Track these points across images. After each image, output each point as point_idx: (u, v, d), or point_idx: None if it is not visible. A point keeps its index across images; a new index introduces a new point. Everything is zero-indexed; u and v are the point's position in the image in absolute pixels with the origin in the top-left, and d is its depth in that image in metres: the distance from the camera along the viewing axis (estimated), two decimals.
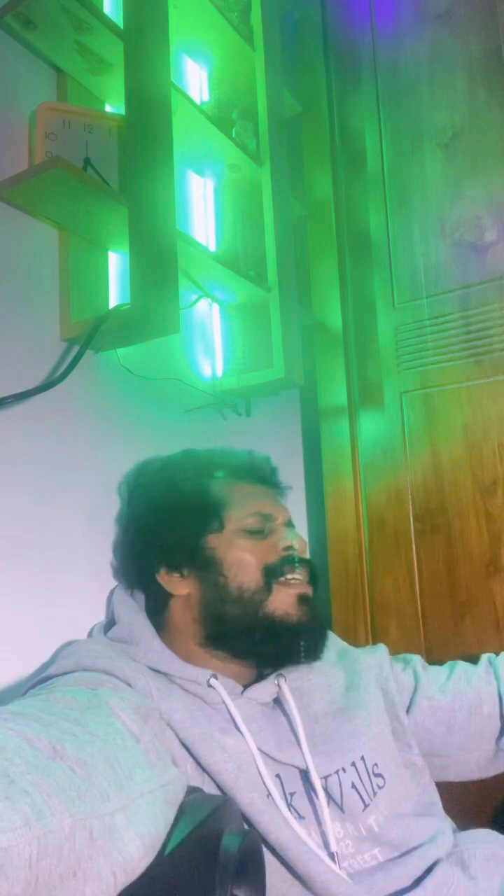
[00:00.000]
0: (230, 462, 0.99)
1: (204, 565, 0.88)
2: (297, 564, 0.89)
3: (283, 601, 0.86)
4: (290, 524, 0.95)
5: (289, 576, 0.87)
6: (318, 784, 0.79)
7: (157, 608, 0.90)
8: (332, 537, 1.40)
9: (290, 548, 0.89)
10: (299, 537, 0.91)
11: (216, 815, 0.64)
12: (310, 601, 0.88)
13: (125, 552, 0.98)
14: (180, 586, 0.89)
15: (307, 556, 0.92)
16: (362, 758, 0.85)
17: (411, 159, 1.39)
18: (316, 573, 0.92)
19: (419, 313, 1.34)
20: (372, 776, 0.85)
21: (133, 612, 0.89)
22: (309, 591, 0.89)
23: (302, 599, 0.87)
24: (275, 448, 1.40)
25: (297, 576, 0.88)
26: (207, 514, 0.90)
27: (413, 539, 1.31)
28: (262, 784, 0.77)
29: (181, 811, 0.62)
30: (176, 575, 0.89)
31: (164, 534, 0.91)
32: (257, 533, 0.90)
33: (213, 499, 0.91)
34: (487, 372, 1.26)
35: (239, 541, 0.88)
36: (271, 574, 0.87)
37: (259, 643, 0.85)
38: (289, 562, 0.88)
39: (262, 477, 1.00)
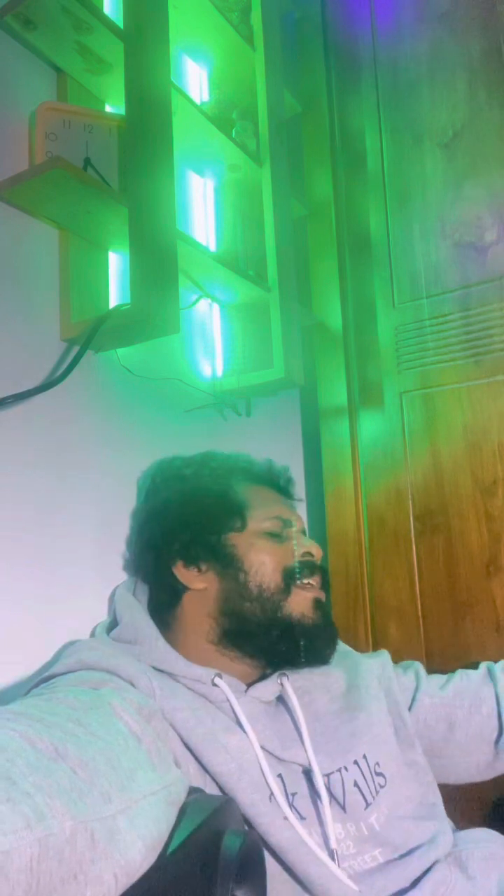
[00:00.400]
0: (251, 467, 1.03)
1: (224, 562, 0.89)
2: (314, 569, 0.91)
3: (301, 603, 0.88)
4: (304, 532, 0.98)
5: (306, 580, 0.89)
6: (320, 781, 0.79)
7: (168, 603, 0.91)
8: (332, 537, 1.40)
9: (308, 553, 0.92)
10: (316, 545, 0.94)
11: (217, 815, 0.64)
12: (324, 606, 0.91)
13: (142, 545, 0.99)
14: (197, 581, 0.90)
15: (322, 563, 0.94)
16: (364, 756, 0.85)
17: (411, 159, 1.39)
18: (329, 580, 0.95)
19: (419, 313, 1.34)
20: (374, 775, 0.85)
21: (135, 612, 0.90)
22: (323, 596, 0.92)
23: (318, 603, 0.90)
24: (275, 448, 1.40)
25: (313, 581, 0.91)
26: (231, 512, 0.92)
27: (413, 539, 1.31)
28: (264, 784, 0.77)
29: (182, 812, 0.62)
30: (194, 569, 0.90)
31: (186, 528, 0.92)
32: (276, 536, 0.92)
33: (237, 498, 0.94)
34: (487, 372, 1.26)
35: (260, 541, 0.90)
36: (290, 576, 0.89)
37: (275, 642, 0.86)
38: (307, 566, 0.91)
39: (280, 486, 1.03)
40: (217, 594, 0.89)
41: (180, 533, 0.92)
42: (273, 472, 1.04)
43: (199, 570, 0.90)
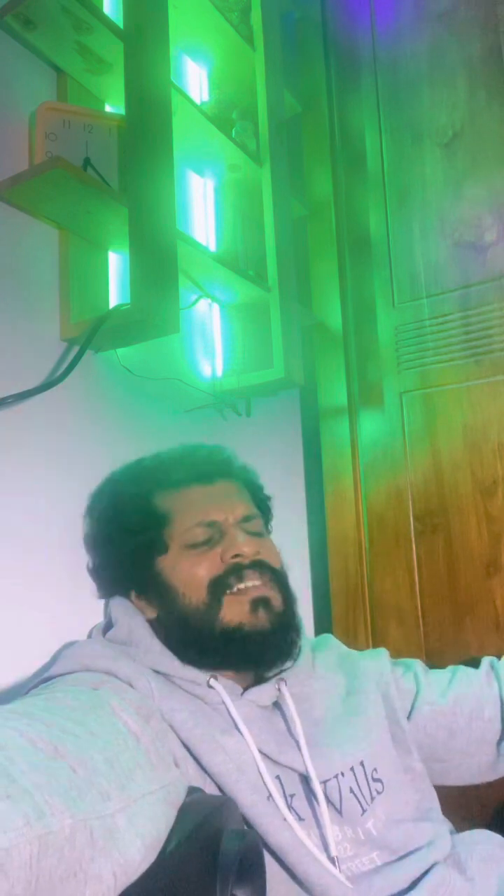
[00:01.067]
0: (174, 466, 0.94)
1: (159, 590, 0.87)
2: (245, 571, 0.85)
3: (236, 611, 0.83)
4: (247, 519, 0.90)
5: (238, 587, 0.84)
6: (318, 788, 0.79)
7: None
8: (332, 537, 1.40)
9: (236, 555, 0.85)
10: (249, 540, 0.87)
11: (216, 815, 0.64)
12: (267, 602, 0.85)
13: (97, 576, 0.96)
14: (148, 610, 0.88)
15: (262, 556, 0.87)
16: (361, 763, 0.85)
17: (411, 159, 1.39)
18: (275, 571, 0.88)
19: (419, 313, 1.34)
20: (371, 781, 0.85)
21: (131, 615, 0.89)
22: (265, 592, 0.85)
23: (256, 604, 0.84)
24: (275, 448, 1.40)
25: (249, 583, 0.84)
26: (149, 536, 0.87)
27: (413, 539, 1.31)
28: (263, 785, 0.77)
29: (181, 811, 0.62)
30: (143, 599, 0.89)
31: (119, 560, 0.90)
32: (204, 544, 0.86)
33: (154, 518, 0.88)
34: (487, 372, 1.26)
35: (184, 558, 0.86)
36: (218, 587, 0.84)
37: (223, 658, 0.83)
38: (235, 571, 0.85)
39: (210, 474, 0.93)
40: (163, 621, 0.87)
41: (117, 566, 0.91)
42: (195, 466, 0.94)
43: (148, 600, 0.88)
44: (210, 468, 0.94)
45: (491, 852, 0.86)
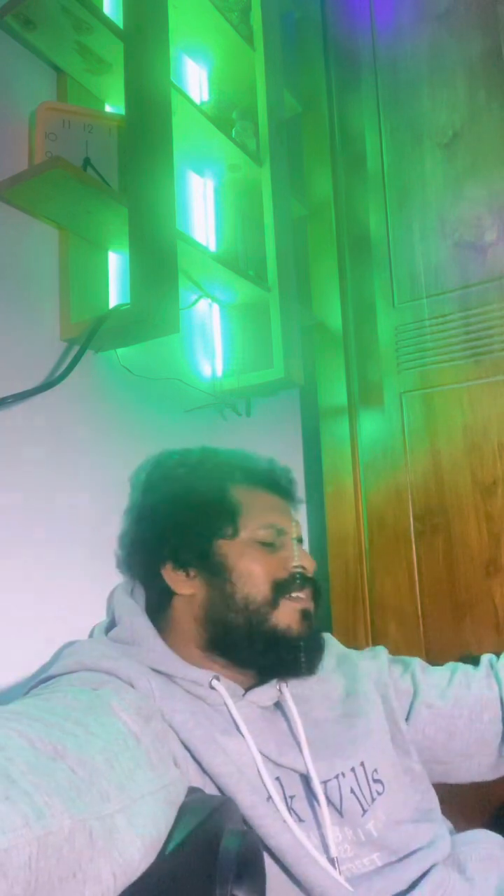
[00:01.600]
0: (250, 467, 0.98)
1: (212, 569, 0.87)
2: (305, 584, 0.89)
3: (288, 615, 0.86)
4: (300, 540, 0.95)
5: (295, 594, 0.88)
6: (319, 789, 0.79)
7: (159, 605, 0.90)
8: (332, 537, 1.40)
9: (300, 567, 0.90)
10: (309, 557, 0.92)
11: (216, 815, 0.64)
12: (311, 617, 0.89)
13: (133, 544, 0.97)
14: (185, 585, 0.88)
15: (313, 575, 0.92)
16: (362, 763, 0.85)
17: (411, 159, 1.39)
18: (320, 592, 0.93)
19: (419, 313, 1.34)
20: (371, 782, 0.85)
21: (134, 613, 0.89)
22: (311, 607, 0.90)
23: (305, 615, 0.88)
24: (275, 448, 1.40)
25: (304, 594, 0.89)
26: (223, 518, 0.89)
27: (413, 539, 1.31)
28: (263, 787, 0.77)
29: (181, 811, 0.62)
30: (182, 573, 0.89)
31: (176, 530, 0.90)
32: (269, 545, 0.89)
33: (230, 504, 0.91)
34: (487, 372, 1.26)
35: (251, 551, 0.88)
36: (280, 590, 0.87)
37: (259, 654, 0.85)
38: (299, 580, 0.88)
39: (280, 488, 0.98)
40: (204, 601, 0.87)
41: (170, 535, 0.90)
42: (274, 473, 1.00)
43: (188, 575, 0.89)
44: (283, 484, 1.00)
45: (490, 852, 0.86)
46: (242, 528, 0.89)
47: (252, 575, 0.87)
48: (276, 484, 0.98)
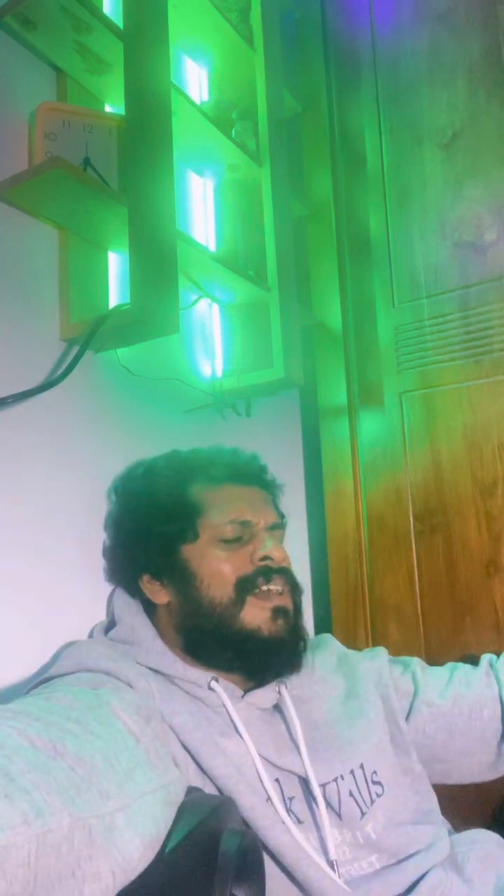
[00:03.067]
0: (213, 463, 0.94)
1: (179, 576, 0.87)
2: (273, 575, 0.86)
3: (257, 615, 0.84)
4: (274, 527, 0.92)
5: (263, 587, 0.85)
6: (317, 792, 0.79)
7: (148, 612, 0.90)
8: (332, 537, 1.40)
9: (265, 558, 0.86)
10: (277, 546, 0.88)
11: (215, 814, 0.64)
12: (287, 613, 0.86)
13: (112, 557, 0.97)
14: (160, 595, 0.88)
15: (287, 564, 0.89)
16: (361, 766, 0.85)
17: (411, 159, 1.39)
18: (296, 583, 0.90)
19: (419, 313, 1.34)
20: (370, 784, 0.84)
21: (134, 614, 0.89)
22: (286, 602, 0.86)
23: (277, 612, 0.85)
24: (275, 448, 1.40)
25: (274, 587, 0.86)
26: (182, 523, 0.87)
27: (413, 539, 1.31)
28: (262, 788, 0.77)
29: (181, 810, 0.62)
30: (157, 583, 0.89)
31: (142, 542, 0.90)
32: (234, 541, 0.87)
33: (189, 507, 0.89)
34: (487, 372, 1.26)
35: (213, 551, 0.86)
36: (244, 586, 0.84)
37: (233, 657, 0.83)
38: (263, 573, 0.85)
39: (246, 478, 0.95)
40: (177, 609, 0.87)
41: (137, 548, 0.90)
42: (235, 466, 0.95)
43: (162, 584, 0.88)
44: (248, 472, 0.96)
45: (488, 851, 0.86)
46: (203, 529, 0.87)
47: (215, 575, 0.85)
48: (240, 475, 0.94)
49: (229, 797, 0.73)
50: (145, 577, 0.89)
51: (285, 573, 0.88)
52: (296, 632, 0.87)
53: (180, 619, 0.86)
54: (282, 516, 0.98)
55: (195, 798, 0.67)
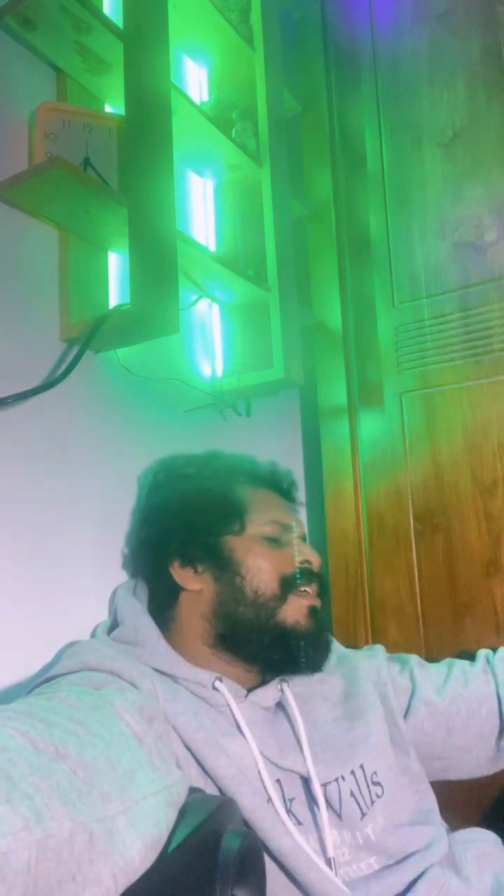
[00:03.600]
0: (254, 469, 1.02)
1: (221, 564, 0.89)
2: (312, 578, 0.91)
3: (296, 611, 0.87)
4: (304, 538, 0.97)
5: (303, 588, 0.89)
6: (318, 791, 0.79)
7: (165, 603, 0.91)
8: (332, 537, 1.40)
9: (306, 561, 0.91)
10: (314, 552, 0.93)
11: (217, 815, 0.64)
12: (318, 614, 0.90)
13: (140, 542, 0.99)
14: (193, 581, 0.89)
15: (320, 571, 0.94)
16: (361, 766, 0.85)
17: (411, 159, 1.39)
18: (327, 588, 0.95)
19: (419, 313, 1.34)
20: (371, 785, 0.85)
21: (137, 613, 0.89)
22: (319, 604, 0.91)
23: (313, 612, 0.89)
24: (275, 448, 1.40)
25: (310, 589, 0.90)
26: (230, 514, 0.91)
27: (413, 539, 1.31)
28: (263, 789, 0.77)
29: (182, 811, 0.62)
30: (190, 570, 0.90)
31: (185, 528, 0.92)
32: (275, 541, 0.91)
33: (237, 501, 0.93)
34: (487, 372, 1.26)
35: (258, 546, 0.90)
36: (287, 584, 0.88)
37: (267, 648, 0.86)
38: (305, 574, 0.90)
39: (283, 489, 1.01)
40: (212, 596, 0.88)
41: (178, 532, 0.92)
42: (276, 475, 1.03)
43: (196, 571, 0.90)
44: (286, 482, 1.03)
45: (485, 850, 0.86)
46: (249, 524, 0.91)
47: (261, 569, 0.88)
48: (278, 485, 1.01)
49: (230, 798, 0.73)
50: (176, 563, 0.91)
51: (320, 579, 0.93)
52: (325, 632, 0.92)
53: (216, 606, 0.88)
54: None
55: (196, 799, 0.67)
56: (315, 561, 0.92)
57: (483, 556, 1.23)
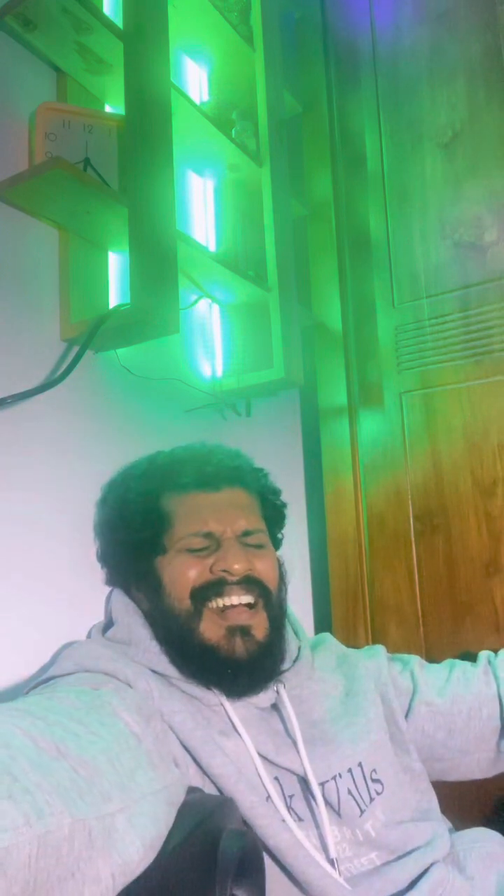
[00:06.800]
0: (183, 469, 0.91)
1: (152, 585, 0.87)
2: (225, 588, 0.83)
3: (214, 631, 0.82)
4: (248, 534, 0.89)
5: (219, 601, 0.83)
6: (316, 790, 0.79)
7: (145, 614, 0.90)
8: (332, 537, 1.40)
9: (224, 570, 0.83)
10: (238, 556, 0.84)
11: (216, 815, 0.64)
12: (246, 631, 0.82)
13: (104, 564, 0.97)
14: (143, 603, 0.89)
15: (255, 574, 0.85)
16: (360, 764, 0.85)
17: (411, 159, 1.39)
18: (267, 591, 0.86)
19: (419, 313, 1.34)
20: (370, 782, 0.85)
21: (130, 614, 0.89)
22: (245, 621, 0.83)
23: (233, 631, 0.82)
24: (275, 448, 1.40)
25: (228, 600, 0.83)
26: (151, 537, 0.88)
27: (413, 539, 1.31)
28: (262, 787, 0.77)
29: (181, 811, 0.62)
30: (140, 592, 0.90)
31: (122, 553, 0.92)
32: (198, 551, 0.86)
33: (157, 519, 0.88)
34: (487, 372, 1.26)
35: (176, 560, 0.85)
36: (198, 597, 0.83)
37: (196, 671, 0.81)
38: (217, 585, 0.83)
39: (216, 482, 0.91)
40: (154, 616, 0.86)
41: (121, 560, 0.92)
42: (207, 470, 0.91)
43: (143, 593, 0.89)
44: (219, 475, 0.91)
45: (490, 850, 0.86)
46: (171, 541, 0.87)
47: (174, 583, 0.84)
48: (208, 480, 0.90)
49: (229, 797, 0.73)
50: (133, 586, 0.91)
51: (249, 582, 0.84)
52: (262, 649, 0.83)
53: (156, 628, 0.85)
54: (272, 512, 0.97)
55: (195, 798, 0.67)
56: (238, 567, 0.83)
57: (483, 556, 1.23)
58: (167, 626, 0.84)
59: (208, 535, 0.86)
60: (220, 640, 0.81)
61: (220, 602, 0.83)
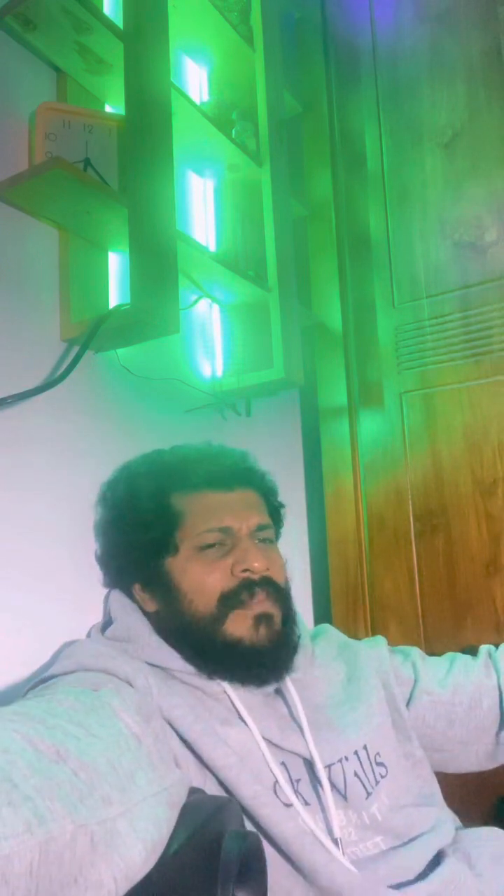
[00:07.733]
0: (193, 467, 0.92)
1: (164, 588, 0.87)
2: (255, 589, 0.85)
3: (239, 625, 0.83)
4: (260, 528, 0.90)
5: (246, 602, 0.84)
6: (322, 772, 0.79)
7: (145, 612, 0.90)
8: (332, 537, 1.40)
9: (247, 570, 0.85)
10: (257, 555, 0.86)
11: (217, 816, 0.64)
12: (269, 619, 0.85)
13: (104, 565, 0.96)
14: (149, 603, 0.89)
15: (270, 573, 0.87)
16: (364, 747, 0.86)
17: (411, 159, 1.39)
18: (280, 590, 0.88)
19: (419, 313, 1.34)
20: (374, 765, 0.85)
21: (129, 611, 0.89)
22: (268, 608, 0.85)
23: (259, 620, 0.84)
24: (275, 448, 1.40)
25: (256, 598, 0.85)
26: (161, 536, 0.87)
27: (413, 539, 1.31)
28: (268, 773, 0.77)
29: (183, 813, 0.62)
30: (148, 592, 0.89)
31: (127, 553, 0.90)
32: (215, 547, 0.86)
33: (168, 518, 0.88)
34: (487, 372, 1.26)
35: (194, 563, 0.85)
36: (227, 602, 0.84)
37: (217, 668, 0.83)
38: (247, 587, 0.84)
39: (229, 481, 0.92)
40: (166, 617, 0.87)
41: (124, 559, 0.91)
42: (212, 470, 0.92)
43: (152, 594, 0.89)
44: (232, 476, 0.93)
45: (501, 851, 0.86)
46: (182, 540, 0.87)
47: (198, 590, 0.84)
48: (221, 480, 0.91)
49: (231, 799, 0.73)
50: (137, 586, 0.90)
51: (268, 584, 0.86)
52: (281, 638, 0.86)
53: (171, 627, 0.86)
54: (274, 516, 0.98)
55: (197, 800, 0.67)
56: (259, 565, 0.84)
57: (483, 556, 1.23)
58: (183, 626, 0.84)
59: (225, 531, 0.87)
60: (247, 631, 0.83)
61: (252, 612, 0.83)
